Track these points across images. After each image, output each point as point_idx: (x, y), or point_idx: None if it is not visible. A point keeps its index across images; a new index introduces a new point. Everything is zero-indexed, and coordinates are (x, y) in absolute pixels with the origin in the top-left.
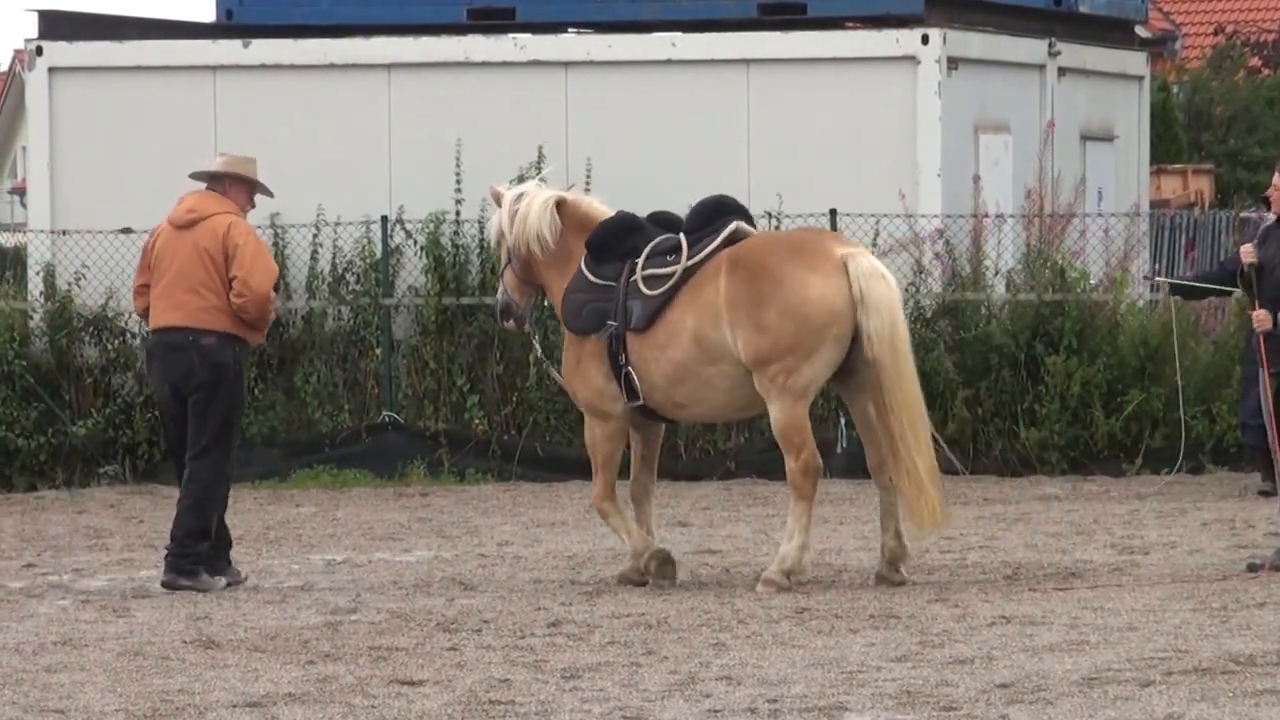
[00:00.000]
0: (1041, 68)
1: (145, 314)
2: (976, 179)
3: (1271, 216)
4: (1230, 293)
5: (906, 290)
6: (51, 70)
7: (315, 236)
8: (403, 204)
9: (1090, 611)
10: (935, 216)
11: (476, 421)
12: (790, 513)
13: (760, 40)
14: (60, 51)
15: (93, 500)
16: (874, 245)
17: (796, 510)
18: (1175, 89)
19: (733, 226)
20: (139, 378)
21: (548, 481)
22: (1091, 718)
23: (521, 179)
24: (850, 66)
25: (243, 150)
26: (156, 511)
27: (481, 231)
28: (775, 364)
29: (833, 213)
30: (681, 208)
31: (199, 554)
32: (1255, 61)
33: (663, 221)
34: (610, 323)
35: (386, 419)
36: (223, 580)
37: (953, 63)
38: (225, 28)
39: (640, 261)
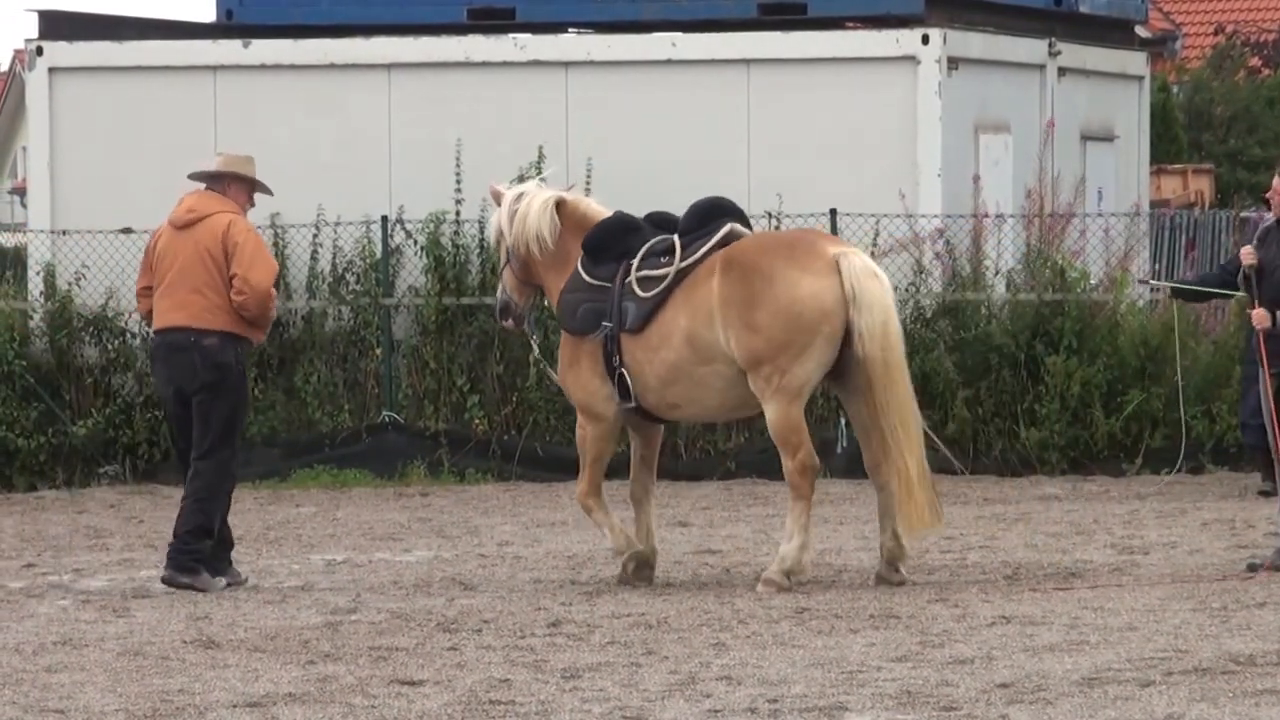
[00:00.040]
0: (1042, 68)
1: (149, 316)
2: (976, 179)
3: (1271, 217)
4: (1232, 296)
5: (907, 290)
6: (51, 70)
7: (315, 236)
8: (403, 204)
9: (1090, 611)
10: (935, 216)
11: (476, 421)
12: (789, 513)
13: (760, 40)
14: (60, 51)
15: (93, 500)
16: (874, 245)
17: (795, 510)
18: (1175, 89)
19: (727, 228)
20: (139, 378)
21: (548, 481)
22: (1091, 718)
23: (521, 179)
24: (850, 66)
25: (243, 150)
26: (156, 511)
27: (482, 231)
28: (768, 364)
29: (833, 213)
30: (681, 208)
31: (200, 551)
32: (1255, 61)
33: (660, 222)
34: (605, 324)
35: (386, 419)
36: (223, 581)
37: (953, 63)
38: (225, 28)
39: (635, 263)
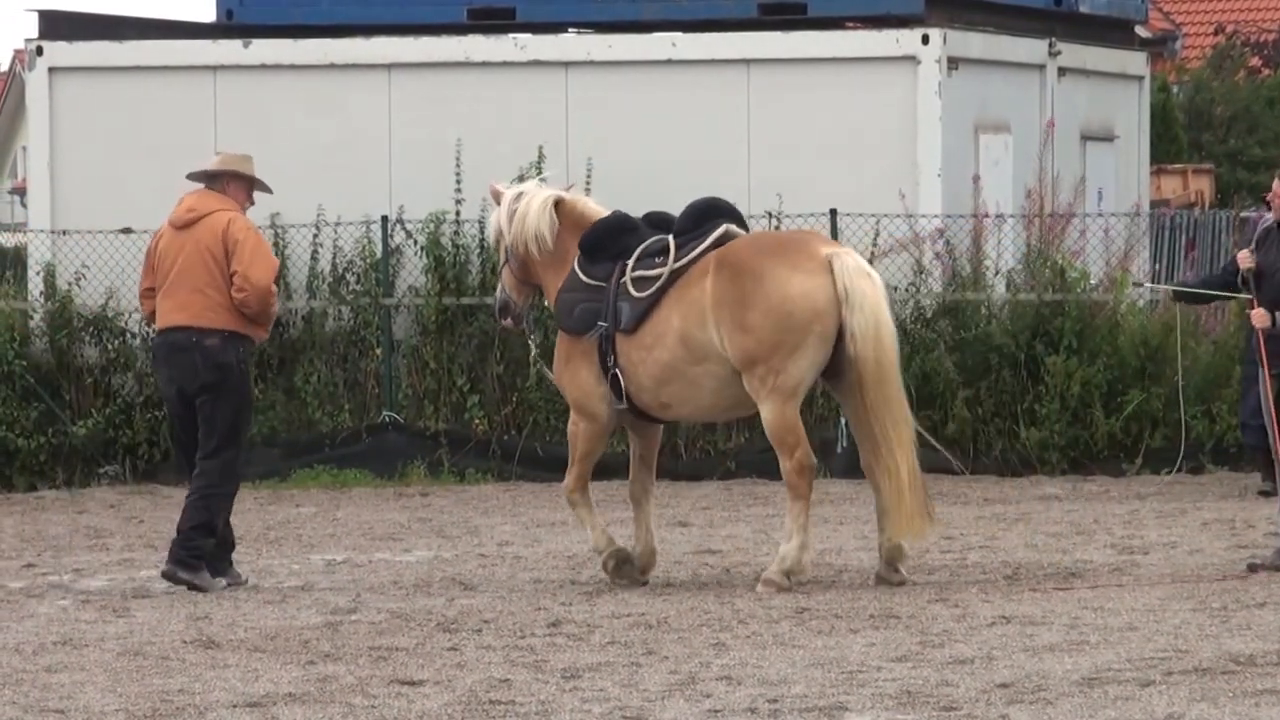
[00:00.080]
0: (1042, 68)
1: (152, 317)
2: (976, 179)
3: (1270, 217)
4: (1234, 298)
5: (907, 290)
6: (51, 70)
7: (315, 236)
8: (403, 204)
9: (1090, 611)
10: (935, 216)
11: (476, 421)
12: (788, 513)
13: (760, 40)
14: (60, 51)
15: (93, 500)
16: (874, 245)
17: (794, 510)
18: (1175, 89)
19: (722, 229)
20: (139, 378)
21: (548, 481)
22: (1091, 718)
23: (521, 179)
24: (850, 66)
25: (243, 150)
26: (156, 511)
27: (482, 232)
28: (762, 364)
29: (833, 213)
30: (681, 208)
31: (202, 549)
32: (1255, 61)
33: (658, 222)
34: (600, 323)
35: (387, 419)
36: (222, 581)
37: (953, 63)
38: (225, 28)
39: (630, 263)
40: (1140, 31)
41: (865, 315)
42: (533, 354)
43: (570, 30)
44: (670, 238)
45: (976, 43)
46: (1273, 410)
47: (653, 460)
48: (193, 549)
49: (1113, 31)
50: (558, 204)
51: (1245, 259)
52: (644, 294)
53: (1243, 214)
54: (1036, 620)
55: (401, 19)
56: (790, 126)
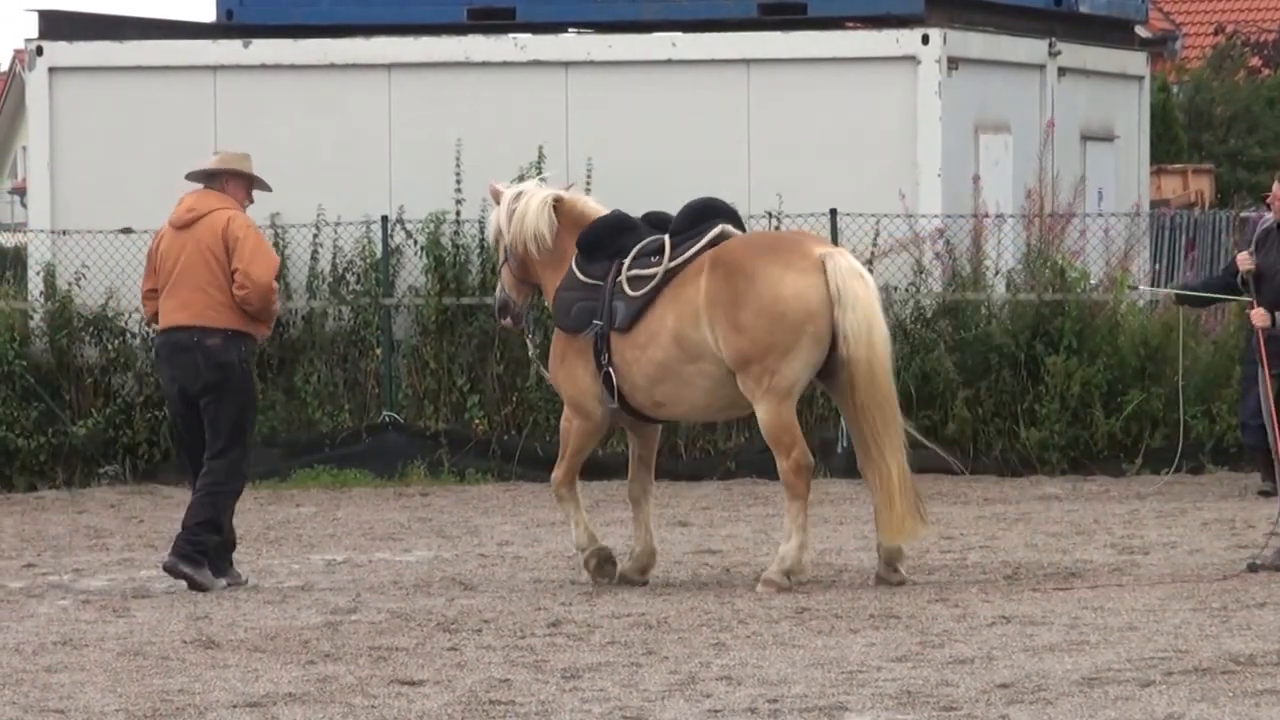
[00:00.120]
0: (1042, 68)
1: (155, 319)
2: (976, 179)
3: (1270, 218)
4: (1236, 301)
5: (907, 290)
6: (51, 70)
7: (315, 236)
8: (403, 204)
9: (1090, 611)
10: (935, 216)
11: (476, 421)
12: (786, 512)
13: (760, 40)
14: (60, 51)
15: (93, 500)
16: (874, 245)
17: (792, 509)
18: (1175, 89)
19: (718, 229)
20: (139, 378)
21: (548, 481)
22: (1091, 718)
23: (522, 179)
24: (850, 66)
25: (243, 150)
26: (156, 511)
27: (482, 232)
28: (756, 364)
29: (833, 213)
30: (681, 208)
31: (206, 545)
32: (1255, 61)
33: (657, 222)
34: (596, 322)
35: (387, 419)
36: (223, 581)
37: (953, 63)
38: (225, 28)
39: (626, 262)
40: (1140, 31)
41: (857, 316)
42: (531, 353)
43: (570, 30)
44: (666, 237)
45: (976, 43)
46: (1273, 410)
47: (651, 460)
48: (197, 544)
49: (1113, 31)
50: (557, 203)
51: (1245, 261)
52: (639, 293)
53: (1243, 214)
54: (1036, 620)
55: (401, 19)
56: (790, 126)
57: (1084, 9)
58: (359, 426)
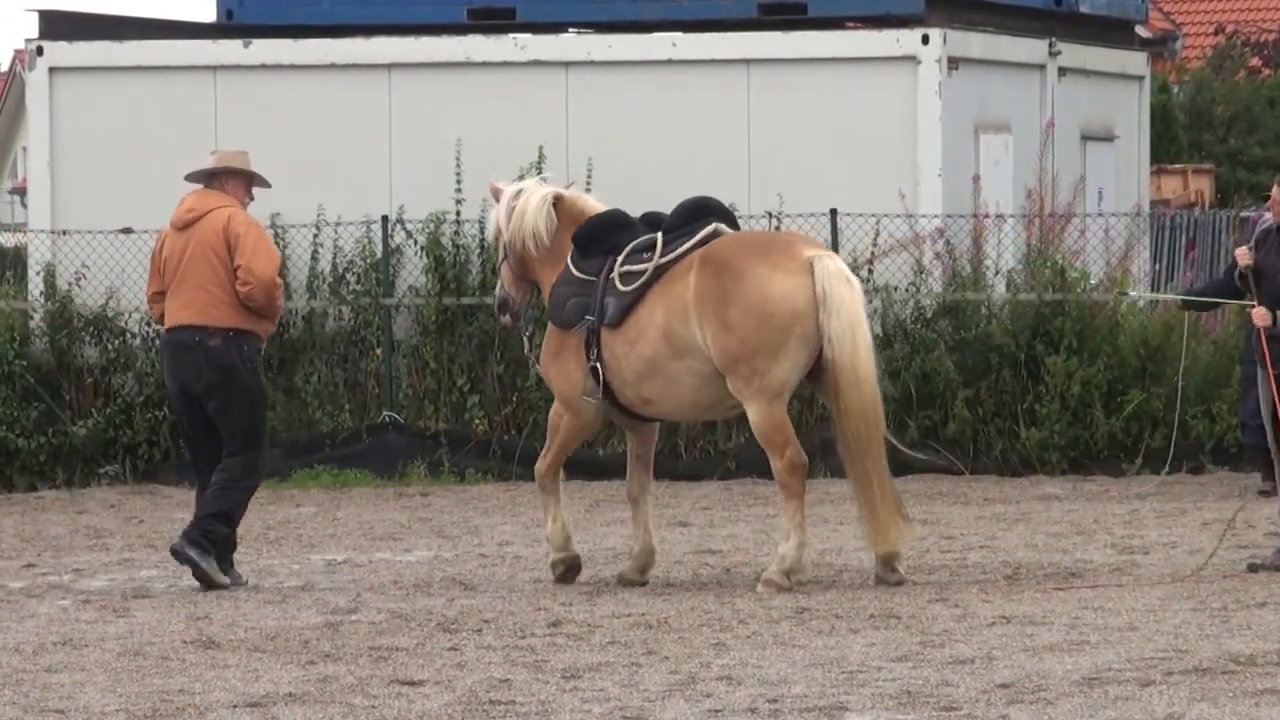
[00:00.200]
0: (1042, 68)
1: (163, 320)
2: (976, 179)
3: (1270, 218)
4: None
5: (907, 290)
6: (52, 70)
7: (316, 236)
8: (403, 204)
9: (1090, 611)
10: (935, 216)
11: (477, 421)
12: (784, 512)
13: (760, 40)
14: (60, 51)
15: (93, 500)
16: (874, 245)
17: (789, 509)
18: (1175, 89)
19: (711, 228)
20: (139, 378)
21: None
22: (1091, 718)
23: (522, 178)
24: (850, 66)
25: (241, 149)
26: (156, 511)
27: (482, 232)
28: (744, 364)
29: (833, 213)
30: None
31: (216, 535)
32: (1255, 61)
33: (654, 222)
34: (587, 317)
35: (387, 419)
36: (227, 580)
37: (953, 63)
38: (225, 28)
39: (619, 259)
40: (1140, 31)
41: (842, 320)
42: (527, 349)
43: (570, 30)
44: (659, 235)
45: (976, 43)
46: (1274, 409)
47: (649, 459)
48: (207, 532)
49: (1113, 31)
50: (556, 201)
51: (1244, 256)
52: (629, 288)
53: (1243, 214)
54: (1036, 620)
55: (401, 19)
56: (790, 126)
57: (1084, 9)
58: (359, 426)
